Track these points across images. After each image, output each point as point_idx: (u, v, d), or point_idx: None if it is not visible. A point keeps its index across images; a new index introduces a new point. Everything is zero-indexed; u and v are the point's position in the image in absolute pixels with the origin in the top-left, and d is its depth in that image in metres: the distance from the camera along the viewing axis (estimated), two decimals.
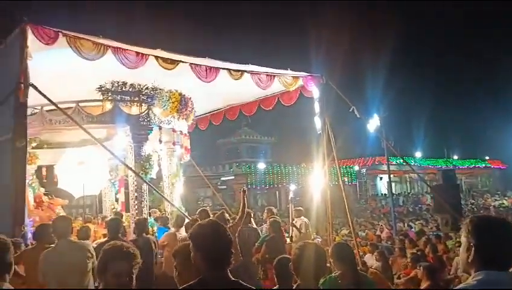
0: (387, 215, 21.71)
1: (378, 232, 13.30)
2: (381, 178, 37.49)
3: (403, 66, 57.32)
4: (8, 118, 6.09)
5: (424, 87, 66.71)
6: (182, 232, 7.35)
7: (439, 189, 10.41)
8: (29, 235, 6.30)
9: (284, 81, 8.98)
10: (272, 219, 7.34)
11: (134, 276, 2.38)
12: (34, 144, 8.47)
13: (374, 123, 12.52)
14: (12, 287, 2.56)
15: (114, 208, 10.94)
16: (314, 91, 9.32)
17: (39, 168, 10.02)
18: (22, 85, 5.94)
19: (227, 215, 7.23)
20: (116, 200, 11.37)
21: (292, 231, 8.82)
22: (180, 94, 8.81)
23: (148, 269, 6.07)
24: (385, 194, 33.49)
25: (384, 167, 32.07)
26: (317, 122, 9.25)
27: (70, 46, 6.28)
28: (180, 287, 2.38)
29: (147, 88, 8.42)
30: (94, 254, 3.97)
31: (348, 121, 11.09)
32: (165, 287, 6.26)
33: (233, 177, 32.09)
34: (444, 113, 54.61)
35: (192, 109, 9.53)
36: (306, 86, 9.28)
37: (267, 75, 8.61)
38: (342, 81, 11.47)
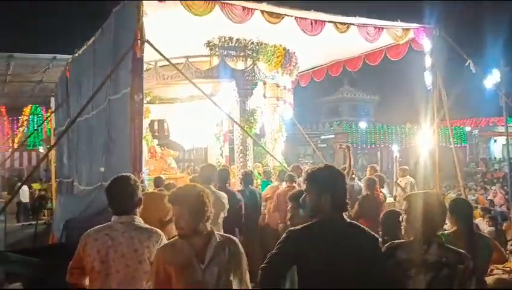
0: (500, 180, 20.27)
1: (490, 197, 12.46)
2: (495, 140, 34.63)
3: None
4: (126, 73, 6.52)
5: None
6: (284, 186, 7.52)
7: None
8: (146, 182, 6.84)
9: (393, 33, 8.48)
10: (369, 176, 7.19)
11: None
12: (148, 98, 9.04)
13: (492, 79, 11.41)
14: (143, 221, 2.82)
15: (219, 162, 11.43)
16: (426, 44, 8.72)
17: (152, 122, 10.76)
18: (139, 41, 6.28)
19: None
20: (221, 154, 11.87)
21: (396, 190, 8.58)
22: (284, 49, 8.78)
23: (254, 218, 6.33)
24: (499, 158, 31.04)
25: (500, 129, 29.52)
26: (428, 77, 8.72)
27: (182, 4, 6.48)
28: (296, 227, 2.46)
29: (252, 43, 8.51)
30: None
31: (461, 77, 10.28)
32: (268, 237, 6.51)
33: (333, 135, 31.76)
34: None
35: (296, 64, 9.46)
36: (417, 38, 8.70)
37: (375, 27, 8.18)
38: (457, 33, 10.56)
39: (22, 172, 23.31)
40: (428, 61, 8.69)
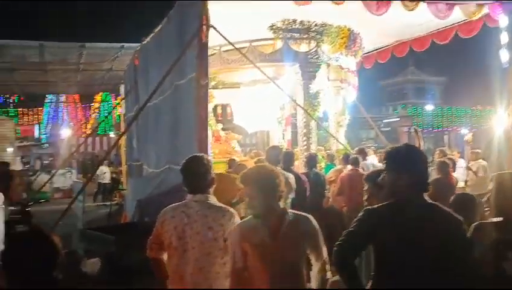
0: None
1: None
2: None
3: None
4: (192, 58, 6.67)
5: None
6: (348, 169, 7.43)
7: None
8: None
9: (466, 9, 8.02)
10: (442, 159, 6.92)
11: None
12: (213, 83, 9.21)
13: None
14: (216, 200, 2.91)
15: (281, 145, 11.47)
16: (502, 20, 8.17)
17: (215, 106, 10.98)
18: (204, 27, 6.39)
19: None
20: (283, 137, 11.91)
21: (468, 174, 8.21)
22: (349, 30, 8.58)
23: (318, 201, 6.33)
24: None
25: None
26: (504, 55, 8.18)
27: None
28: (373, 206, 2.44)
29: (315, 25, 8.39)
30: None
31: None
32: (332, 220, 6.49)
33: (397, 119, 30.79)
34: None
35: (361, 45, 9.22)
36: (492, 14, 8.16)
37: (446, 3, 7.78)
38: None
39: (94, 156, 24.66)
40: (504, 38, 8.15)
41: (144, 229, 6.34)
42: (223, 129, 10.41)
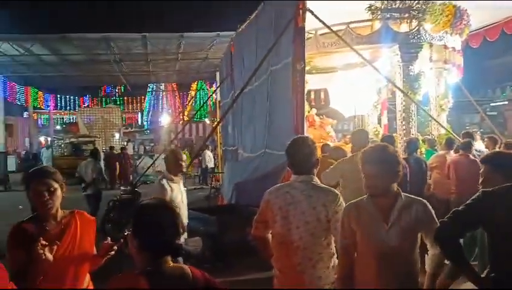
0: None
1: None
2: None
3: None
4: (288, 43, 6.68)
5: None
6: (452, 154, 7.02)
7: None
8: None
9: None
10: None
11: None
12: (307, 68, 9.15)
13: None
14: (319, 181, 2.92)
15: (376, 130, 11.13)
16: None
17: (308, 92, 10.89)
18: (301, 11, 6.36)
19: None
20: (378, 122, 11.54)
21: None
22: (454, 6, 8.00)
23: (419, 187, 6.05)
24: None
25: None
26: None
27: None
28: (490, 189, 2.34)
29: (418, 3, 7.93)
30: None
31: None
32: (434, 207, 6.17)
33: (505, 102, 28.32)
34: None
35: (468, 22, 8.56)
36: None
37: None
38: None
39: (190, 142, 25.88)
40: None
41: (241, 211, 6.60)
42: (317, 114, 10.33)
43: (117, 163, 17.40)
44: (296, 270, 2.77)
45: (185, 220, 4.40)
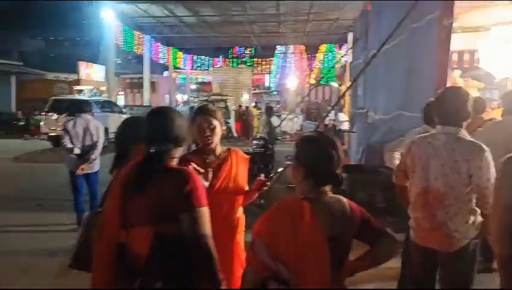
0: None
1: None
2: None
3: None
4: None
5: None
6: None
7: None
8: None
9: None
10: None
11: None
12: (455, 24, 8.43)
13: None
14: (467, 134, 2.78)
15: None
16: None
17: (450, 53, 10.05)
18: None
19: None
20: None
21: None
22: None
23: None
24: None
25: None
26: None
27: None
28: None
29: None
30: None
31: None
32: None
33: None
34: None
35: None
36: None
37: None
38: None
39: (316, 105, 25.86)
40: None
41: (371, 171, 6.56)
42: (460, 76, 9.56)
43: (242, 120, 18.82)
44: (431, 221, 2.72)
45: None
